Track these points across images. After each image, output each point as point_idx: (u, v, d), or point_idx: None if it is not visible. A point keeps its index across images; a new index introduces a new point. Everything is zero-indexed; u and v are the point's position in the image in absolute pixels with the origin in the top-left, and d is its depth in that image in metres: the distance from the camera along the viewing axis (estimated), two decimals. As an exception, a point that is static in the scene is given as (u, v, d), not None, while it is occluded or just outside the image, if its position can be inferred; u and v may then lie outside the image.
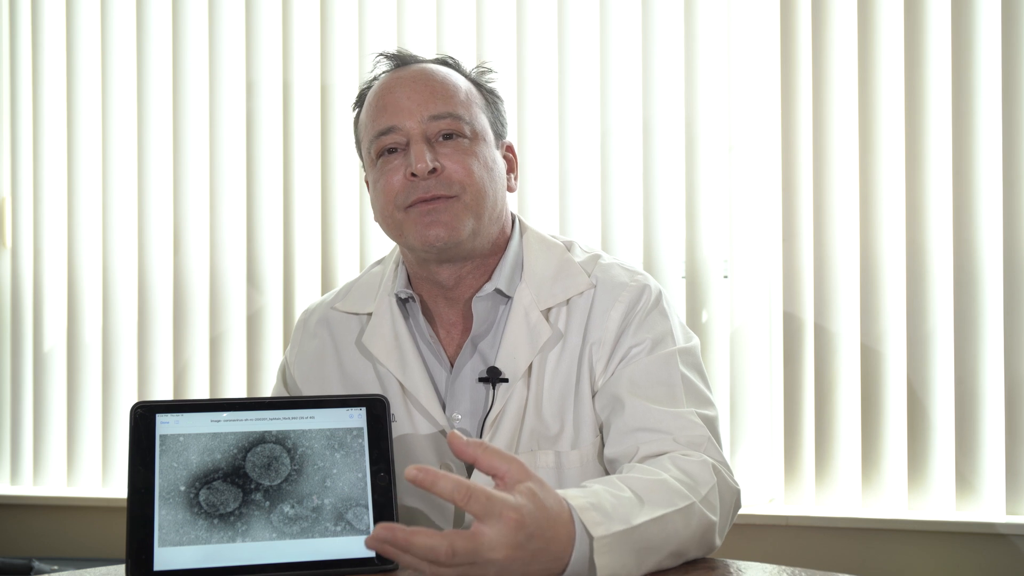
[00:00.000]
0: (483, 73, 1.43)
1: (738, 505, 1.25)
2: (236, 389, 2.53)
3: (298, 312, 2.47)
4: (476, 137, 1.34)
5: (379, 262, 1.50)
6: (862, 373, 2.17)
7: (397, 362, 1.35)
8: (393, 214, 1.33)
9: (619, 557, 1.00)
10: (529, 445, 1.31)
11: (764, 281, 2.25)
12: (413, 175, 1.29)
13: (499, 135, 1.41)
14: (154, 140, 2.59)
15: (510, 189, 1.42)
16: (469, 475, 1.31)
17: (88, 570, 1.11)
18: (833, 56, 2.20)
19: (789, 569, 1.11)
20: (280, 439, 1.08)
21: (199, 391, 2.55)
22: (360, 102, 1.42)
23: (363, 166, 1.43)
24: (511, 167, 1.43)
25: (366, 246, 2.45)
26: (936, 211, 2.14)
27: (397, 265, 1.43)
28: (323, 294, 2.46)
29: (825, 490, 2.19)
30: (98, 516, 2.56)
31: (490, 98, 1.41)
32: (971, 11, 2.12)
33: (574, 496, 1.00)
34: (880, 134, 2.17)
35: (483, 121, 1.37)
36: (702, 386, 1.32)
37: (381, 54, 1.41)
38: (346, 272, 2.45)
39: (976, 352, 2.11)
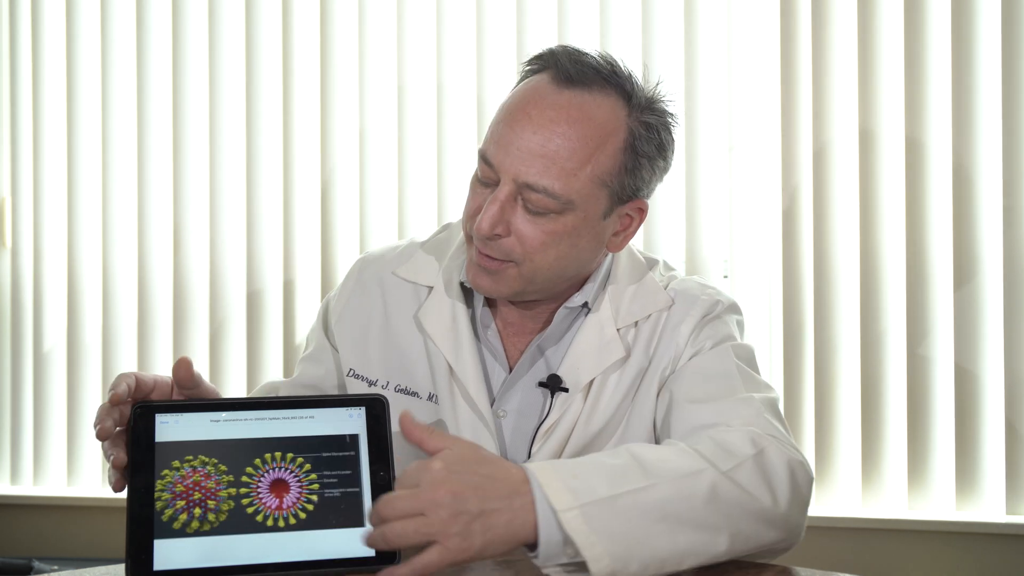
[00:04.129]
0: (657, 115, 1.25)
1: (802, 475, 1.12)
2: (236, 389, 2.53)
3: (299, 311, 2.48)
4: (572, 213, 1.20)
5: (446, 227, 1.42)
6: (862, 373, 2.17)
7: (451, 346, 1.30)
8: (465, 229, 1.27)
9: (603, 528, 0.95)
10: (570, 456, 1.27)
11: (764, 281, 2.25)
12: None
13: (625, 200, 1.24)
14: (154, 140, 2.59)
15: (611, 249, 1.29)
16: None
17: (88, 570, 1.11)
18: (833, 56, 2.20)
19: (789, 569, 1.10)
20: (279, 438, 1.08)
21: (199, 391, 2.54)
22: (521, 77, 1.26)
23: None
24: (625, 226, 1.28)
25: (367, 246, 2.45)
26: (936, 211, 2.14)
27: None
28: (323, 295, 2.46)
29: (825, 490, 2.19)
30: (98, 516, 2.56)
31: (637, 161, 1.22)
32: (971, 11, 2.12)
33: (545, 471, 0.97)
34: (880, 134, 2.17)
35: (595, 199, 1.20)
36: (756, 375, 1.28)
37: (563, 48, 1.23)
38: (346, 272, 2.44)
39: (976, 352, 2.11)
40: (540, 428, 1.27)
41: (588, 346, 1.28)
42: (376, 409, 1.11)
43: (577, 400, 1.28)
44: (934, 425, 2.13)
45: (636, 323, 1.30)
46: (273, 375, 2.50)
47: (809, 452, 2.20)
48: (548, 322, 1.31)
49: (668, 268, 1.39)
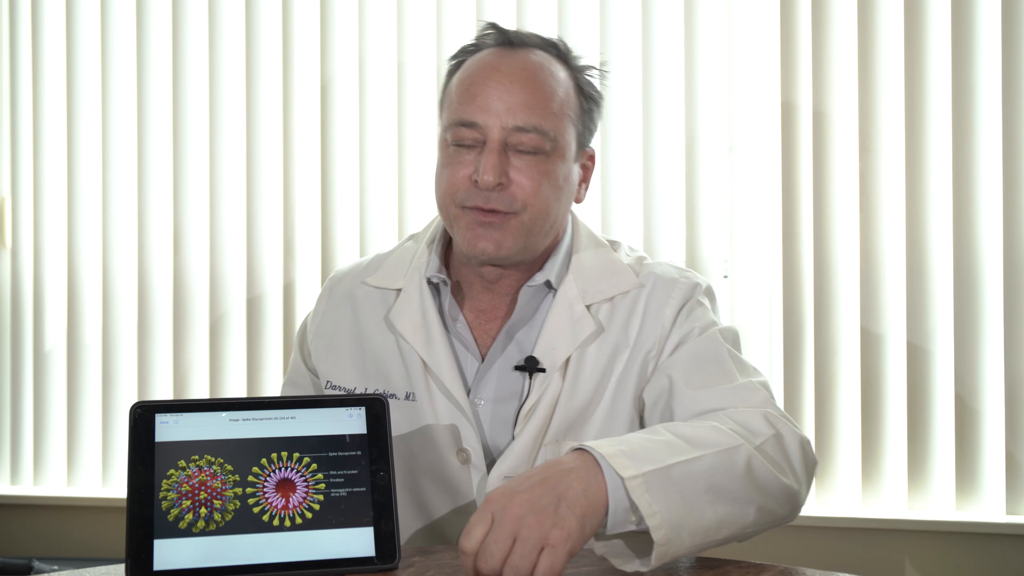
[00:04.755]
0: (589, 69, 1.35)
1: (809, 453, 1.19)
2: (236, 389, 2.53)
3: (298, 311, 2.48)
4: (556, 153, 1.29)
5: (411, 237, 1.46)
6: (862, 373, 2.17)
7: (423, 341, 1.33)
8: (449, 207, 1.30)
9: (662, 497, 1.00)
10: (555, 436, 1.30)
11: (764, 281, 2.25)
12: (476, 181, 1.26)
13: (583, 145, 1.35)
14: (154, 140, 2.59)
15: (577, 200, 1.38)
16: (489, 467, 1.31)
17: (88, 570, 1.11)
18: (833, 56, 2.20)
19: (789, 569, 1.10)
20: (280, 438, 1.08)
21: (199, 391, 2.55)
22: (457, 62, 1.35)
23: (439, 128, 1.37)
24: (585, 176, 1.39)
25: (367, 246, 2.45)
26: (936, 211, 2.14)
27: (432, 245, 1.39)
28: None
29: (825, 490, 2.19)
30: (98, 516, 2.56)
31: (587, 105, 1.34)
32: (971, 11, 2.12)
33: (602, 445, 1.01)
34: (880, 134, 2.17)
35: (570, 135, 1.31)
36: (745, 359, 1.32)
37: (492, 25, 1.34)
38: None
39: (976, 352, 2.11)
40: (522, 410, 1.29)
41: (560, 324, 1.32)
42: (376, 409, 1.11)
43: (556, 379, 1.30)
44: (934, 425, 2.13)
45: (612, 299, 1.34)
46: (273, 375, 2.50)
47: (809, 452, 2.20)
48: (514, 304, 1.34)
49: (632, 250, 1.43)
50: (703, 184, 2.27)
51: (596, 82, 1.37)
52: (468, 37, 1.43)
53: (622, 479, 0.98)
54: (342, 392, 1.38)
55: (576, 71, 1.34)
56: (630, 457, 1.00)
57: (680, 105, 2.28)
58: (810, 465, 1.19)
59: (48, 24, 2.65)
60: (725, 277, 2.27)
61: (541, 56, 1.31)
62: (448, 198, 1.30)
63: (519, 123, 1.26)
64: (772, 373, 2.23)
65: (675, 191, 2.28)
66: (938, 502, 2.14)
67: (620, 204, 2.30)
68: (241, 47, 2.54)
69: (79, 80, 2.62)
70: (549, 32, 2.30)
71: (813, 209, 2.21)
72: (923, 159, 2.15)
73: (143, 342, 2.58)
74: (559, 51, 1.34)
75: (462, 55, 1.35)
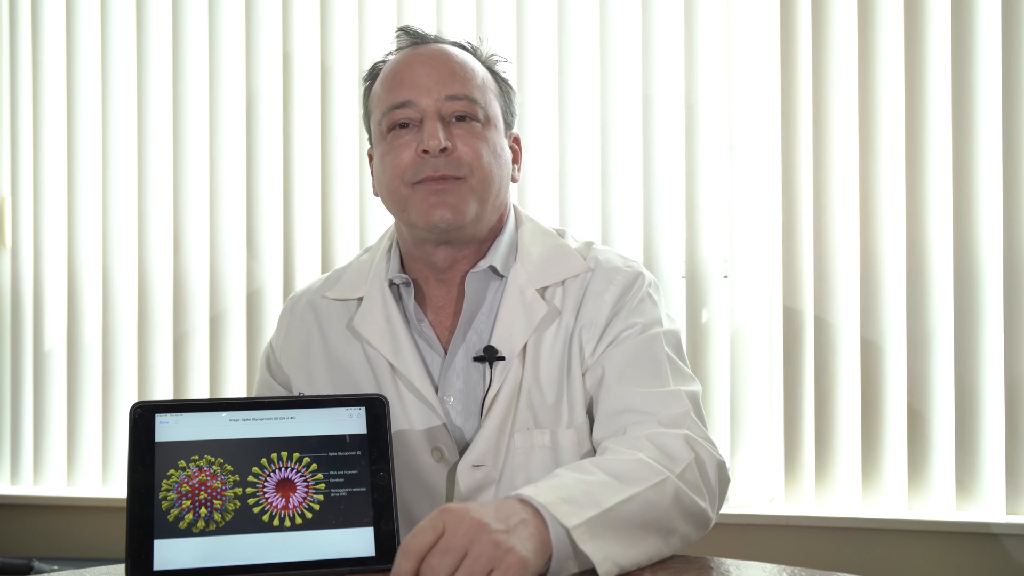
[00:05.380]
0: (497, 62, 1.43)
1: (724, 476, 1.25)
2: (236, 389, 2.53)
3: (298, 312, 2.48)
4: (488, 123, 1.35)
5: (367, 250, 1.50)
6: (862, 373, 2.17)
7: (389, 344, 1.35)
8: (399, 189, 1.33)
9: (605, 539, 1.02)
10: (524, 424, 1.31)
11: (764, 281, 2.25)
12: (424, 152, 1.30)
13: (508, 125, 1.42)
14: (154, 140, 2.59)
15: (513, 179, 1.43)
16: (460, 452, 1.31)
17: (88, 570, 1.11)
18: (833, 56, 2.20)
19: (789, 569, 1.11)
20: (279, 438, 1.08)
21: (199, 391, 2.55)
22: (373, 75, 1.42)
23: (370, 139, 1.43)
24: (516, 158, 1.44)
25: (366, 244, 2.44)
26: (936, 211, 2.14)
27: (390, 250, 1.43)
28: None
29: (825, 490, 2.19)
30: (98, 516, 2.56)
31: (504, 87, 1.42)
32: (971, 11, 2.12)
33: (541, 493, 1.02)
34: (880, 134, 2.17)
35: (496, 108, 1.38)
36: (684, 365, 1.35)
37: (401, 29, 1.41)
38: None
39: (976, 352, 2.11)
40: (485, 400, 1.30)
41: (513, 311, 1.34)
42: (376, 408, 1.11)
43: (515, 366, 1.32)
44: (934, 425, 2.13)
45: (563, 283, 1.36)
46: (273, 375, 2.50)
47: (809, 452, 2.20)
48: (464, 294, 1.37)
49: (578, 237, 1.46)
50: (703, 184, 2.26)
51: (508, 76, 1.45)
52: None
53: (566, 529, 1.00)
54: None
55: (484, 61, 1.41)
56: (571, 504, 1.02)
57: (680, 105, 2.28)
58: (723, 487, 1.25)
59: (48, 24, 2.65)
60: (725, 277, 2.27)
61: (453, 47, 1.40)
62: (397, 180, 1.33)
63: (449, 92, 1.32)
64: (772, 373, 2.23)
65: (675, 191, 2.28)
66: (938, 502, 2.13)
67: (620, 204, 2.30)
68: (241, 47, 2.54)
69: (79, 80, 2.62)
70: (549, 33, 2.33)
71: (813, 209, 2.21)
72: (923, 159, 2.15)
73: (143, 342, 2.58)
74: (467, 48, 1.41)
75: (375, 69, 1.42)
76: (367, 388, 1.35)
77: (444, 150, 1.30)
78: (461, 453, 1.31)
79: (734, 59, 2.27)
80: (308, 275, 2.49)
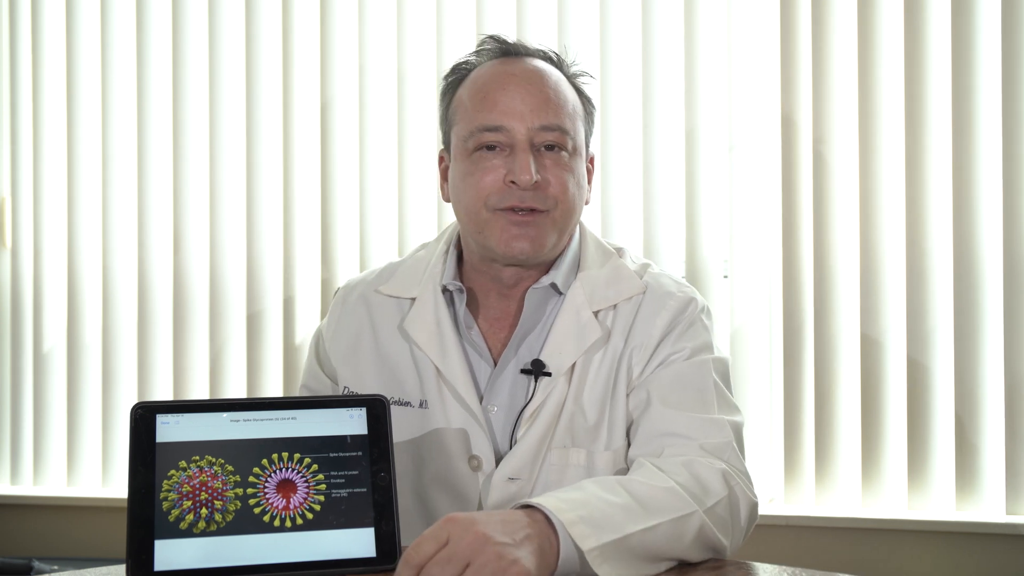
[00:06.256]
0: (582, 75, 1.40)
1: (754, 516, 1.23)
2: (236, 389, 2.53)
3: (299, 311, 2.48)
4: (575, 152, 1.33)
5: (423, 247, 1.48)
6: (862, 373, 2.17)
7: (437, 349, 1.34)
8: (480, 212, 1.31)
9: (618, 566, 1.02)
10: (562, 442, 1.31)
11: (764, 281, 2.25)
12: (513, 182, 1.28)
13: (587, 144, 1.40)
14: (154, 140, 2.59)
15: (586, 202, 1.41)
16: (497, 463, 1.31)
17: (88, 570, 1.11)
18: (833, 56, 2.20)
19: (789, 569, 1.11)
20: (280, 439, 1.08)
21: (199, 391, 2.55)
22: (458, 76, 1.38)
23: (446, 142, 1.40)
24: (589, 179, 1.42)
25: (366, 245, 2.45)
26: (936, 211, 2.14)
27: (446, 254, 1.41)
28: (323, 294, 2.46)
29: (825, 490, 2.19)
30: (98, 516, 2.56)
31: (588, 107, 1.40)
32: (971, 11, 2.12)
33: (562, 509, 1.01)
34: (880, 134, 2.17)
35: (582, 135, 1.36)
36: (730, 395, 1.34)
37: (491, 37, 1.38)
38: (346, 271, 2.45)
39: (976, 352, 2.11)
40: (523, 413, 1.30)
41: (567, 330, 1.33)
42: (377, 409, 1.11)
43: (561, 384, 1.31)
44: (934, 425, 2.13)
45: (615, 306, 1.35)
46: (273, 375, 2.50)
47: (809, 452, 2.20)
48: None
49: (637, 257, 1.46)
50: (703, 184, 2.26)
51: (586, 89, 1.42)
52: (469, 46, 1.44)
53: (580, 550, 0.99)
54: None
55: (570, 78, 1.39)
56: (589, 525, 1.01)
57: (680, 105, 2.28)
58: (751, 527, 1.23)
59: (48, 24, 2.65)
60: (725, 277, 2.27)
61: (544, 63, 1.36)
62: (479, 203, 1.31)
63: (544, 122, 1.30)
64: (772, 373, 2.23)
65: (675, 191, 2.28)
66: (938, 502, 2.13)
67: (620, 204, 2.30)
68: (241, 50, 2.54)
69: (79, 80, 2.62)
70: (549, 34, 2.33)
71: (813, 209, 2.21)
72: (923, 159, 2.15)
73: (143, 342, 2.58)
74: (554, 61, 1.38)
75: (459, 71, 1.39)
76: (411, 389, 1.35)
77: (536, 184, 1.28)
78: (498, 464, 1.31)
79: (734, 59, 2.26)
80: (308, 276, 2.49)
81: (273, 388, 2.50)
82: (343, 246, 2.47)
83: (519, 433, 1.30)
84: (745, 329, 2.25)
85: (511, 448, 1.31)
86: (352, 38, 2.47)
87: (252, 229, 2.52)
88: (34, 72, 2.66)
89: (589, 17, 2.33)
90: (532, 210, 1.29)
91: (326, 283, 2.47)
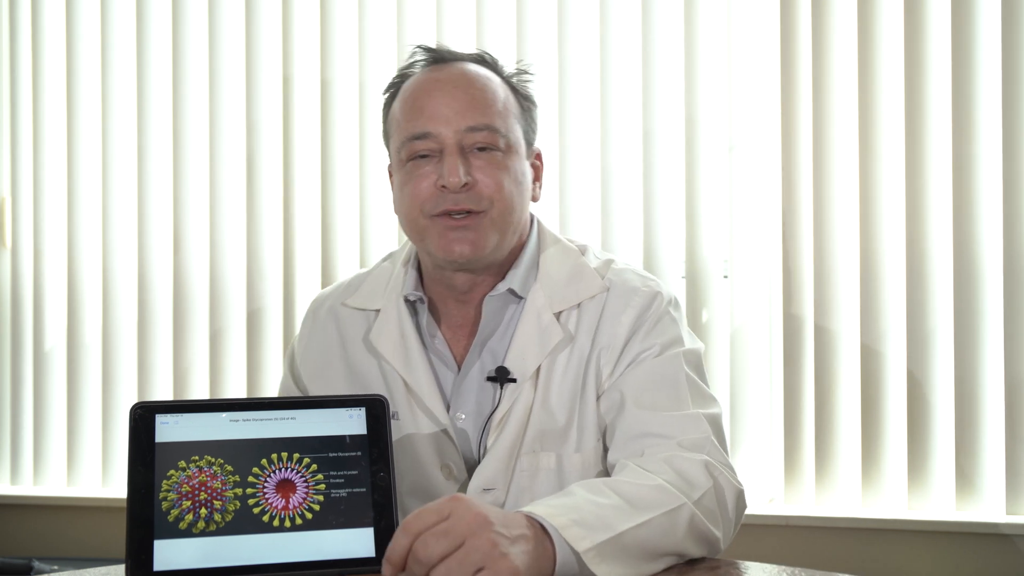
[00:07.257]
0: (520, 74, 1.40)
1: (742, 504, 1.23)
2: (236, 389, 2.53)
3: (299, 312, 2.48)
4: (509, 150, 1.32)
5: (388, 257, 1.49)
6: (862, 373, 2.17)
7: (402, 360, 1.35)
8: (418, 220, 1.32)
9: (615, 563, 1.02)
10: (532, 447, 1.30)
11: (764, 281, 2.25)
12: (444, 187, 1.28)
13: (529, 143, 1.39)
14: (154, 140, 2.59)
15: (534, 199, 1.40)
16: (469, 475, 1.31)
17: (88, 570, 1.11)
18: (833, 56, 2.20)
19: (789, 569, 1.11)
20: (280, 439, 1.08)
21: (199, 391, 2.55)
22: (393, 90, 1.39)
23: (389, 157, 1.40)
24: (537, 175, 1.41)
25: (366, 245, 2.45)
26: (936, 211, 2.14)
27: (407, 264, 1.41)
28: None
29: (825, 490, 2.19)
30: (98, 516, 2.56)
31: (525, 104, 1.39)
32: (971, 11, 2.12)
33: (553, 514, 1.01)
34: (880, 134, 2.17)
35: (517, 132, 1.35)
36: (705, 386, 1.32)
37: (419, 46, 1.38)
38: (346, 271, 2.45)
39: (976, 352, 2.11)
40: (491, 420, 1.30)
41: (529, 334, 1.32)
42: (376, 409, 1.11)
43: (527, 389, 1.31)
44: (934, 425, 2.13)
45: (579, 305, 1.34)
46: (273, 375, 2.50)
47: (809, 452, 2.20)
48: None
49: (600, 253, 1.44)
50: (703, 184, 2.26)
51: (528, 85, 1.42)
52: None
53: (577, 553, 0.99)
54: None
55: (506, 78, 1.38)
56: (583, 527, 1.01)
57: (680, 106, 2.28)
58: (740, 515, 1.23)
59: (48, 24, 2.65)
60: (725, 277, 2.27)
61: (473, 66, 1.36)
62: (415, 211, 1.31)
63: (470, 123, 1.29)
64: (772, 373, 2.23)
65: (675, 191, 2.28)
66: (938, 502, 2.13)
67: (620, 204, 2.30)
68: (241, 49, 2.54)
69: (79, 80, 2.62)
70: (549, 35, 2.33)
71: (813, 209, 2.21)
72: (923, 159, 2.15)
73: (143, 342, 2.58)
74: (487, 62, 1.38)
75: (393, 86, 1.40)
76: None
77: (465, 185, 1.28)
78: (470, 471, 1.31)
79: (734, 59, 2.26)
80: (308, 276, 2.49)
81: (273, 388, 2.50)
82: (343, 246, 2.47)
83: (488, 441, 1.30)
84: (745, 329, 2.25)
85: (482, 455, 1.31)
86: (352, 38, 2.47)
87: (252, 229, 2.52)
88: (34, 72, 2.66)
89: (589, 17, 2.33)
90: (468, 212, 1.29)
91: (326, 282, 2.47)
